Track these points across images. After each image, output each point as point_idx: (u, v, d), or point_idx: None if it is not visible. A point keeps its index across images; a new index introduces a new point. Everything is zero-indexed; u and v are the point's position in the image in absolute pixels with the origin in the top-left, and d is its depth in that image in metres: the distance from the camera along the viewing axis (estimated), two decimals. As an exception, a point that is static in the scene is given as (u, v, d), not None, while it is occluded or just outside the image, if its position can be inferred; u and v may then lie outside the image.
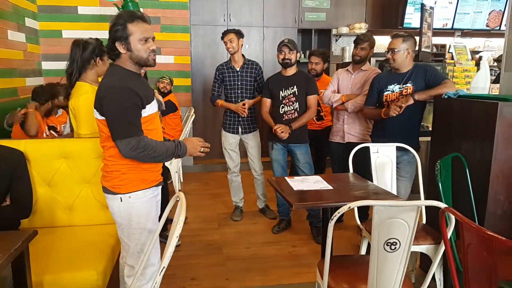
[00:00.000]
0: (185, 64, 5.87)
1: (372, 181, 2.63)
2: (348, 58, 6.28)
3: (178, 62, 5.83)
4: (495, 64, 6.09)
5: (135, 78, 1.99)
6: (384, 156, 2.76)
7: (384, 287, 1.66)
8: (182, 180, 5.39)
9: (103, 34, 5.49)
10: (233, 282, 2.91)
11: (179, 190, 4.48)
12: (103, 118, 1.90)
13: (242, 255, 3.33)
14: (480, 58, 2.92)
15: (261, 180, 4.08)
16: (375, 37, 3.81)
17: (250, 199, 4.35)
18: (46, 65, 5.38)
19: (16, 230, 2.45)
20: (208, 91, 5.99)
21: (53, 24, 5.38)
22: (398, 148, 2.79)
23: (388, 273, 1.63)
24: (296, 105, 3.49)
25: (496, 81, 3.39)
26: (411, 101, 2.79)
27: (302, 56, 6.53)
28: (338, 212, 1.59)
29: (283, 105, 3.53)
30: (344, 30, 6.36)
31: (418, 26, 4.18)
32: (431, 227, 2.48)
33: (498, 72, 4.19)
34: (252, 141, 3.98)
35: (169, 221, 2.55)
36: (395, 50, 2.87)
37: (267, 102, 3.64)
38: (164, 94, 4.99)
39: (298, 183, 2.42)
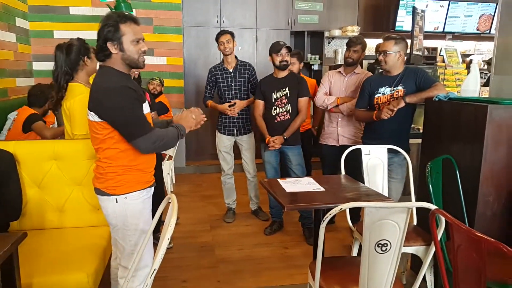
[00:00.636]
0: (177, 65, 5.86)
1: (363, 183, 2.65)
2: (340, 60, 6.31)
3: (170, 63, 5.82)
4: (486, 67, 6.18)
5: (127, 78, 1.98)
6: (375, 158, 2.78)
7: (375, 289, 1.67)
8: (174, 182, 5.37)
9: (95, 34, 5.45)
10: (225, 284, 2.91)
11: (171, 192, 4.48)
12: (102, 120, 1.87)
13: (234, 257, 3.32)
14: (471, 61, 2.95)
15: (255, 182, 4.08)
16: (368, 39, 3.84)
17: (243, 200, 4.35)
18: (37, 66, 5.34)
19: (6, 232, 2.43)
20: (200, 93, 5.98)
21: (44, 24, 5.33)
22: (389, 150, 2.81)
23: (379, 274, 1.64)
24: (288, 106, 3.51)
25: (486, 84, 3.42)
26: (402, 104, 2.81)
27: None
28: (330, 214, 1.59)
29: (275, 107, 3.54)
30: (337, 32, 6.39)
31: (410, 29, 4.21)
32: (422, 228, 2.49)
33: (488, 75, 4.24)
34: (247, 143, 3.97)
35: (161, 222, 2.55)
36: (387, 52, 2.89)
37: (260, 104, 3.64)
38: (154, 96, 4.98)
39: (290, 185, 2.42)
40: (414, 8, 4.09)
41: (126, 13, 2.00)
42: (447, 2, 6.36)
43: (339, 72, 3.68)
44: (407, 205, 1.51)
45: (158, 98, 4.99)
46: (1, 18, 4.41)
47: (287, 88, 3.50)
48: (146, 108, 2.01)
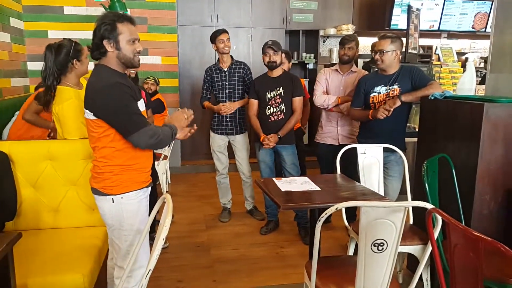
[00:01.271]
0: (172, 65, 5.84)
1: (359, 182, 2.65)
2: (335, 59, 6.31)
3: (165, 62, 5.79)
4: (481, 65, 6.19)
5: (122, 76, 1.97)
6: (371, 157, 2.78)
7: (371, 288, 1.66)
8: (169, 182, 5.35)
9: (89, 34, 5.41)
10: (221, 284, 2.90)
11: (166, 192, 4.47)
12: (96, 118, 1.87)
13: (230, 257, 3.31)
14: (466, 59, 2.94)
15: (249, 183, 4.07)
16: (363, 38, 3.85)
17: (238, 200, 4.34)
18: (31, 66, 5.31)
19: (1, 232, 2.42)
20: (195, 92, 5.97)
21: (39, 24, 5.30)
22: (385, 149, 2.81)
23: (376, 274, 1.64)
24: (282, 106, 3.50)
25: (482, 82, 3.43)
26: (398, 103, 2.81)
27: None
28: (326, 213, 1.59)
29: (269, 106, 3.53)
30: (332, 31, 6.39)
31: (405, 27, 4.21)
32: (418, 227, 2.49)
33: (484, 73, 4.24)
34: (240, 143, 3.95)
35: (156, 222, 2.53)
36: (384, 51, 2.88)
37: (255, 104, 3.63)
38: (149, 95, 4.96)
39: (285, 184, 2.41)
40: (409, 7, 4.09)
41: (122, 13, 1.98)
42: (442, 0, 6.36)
43: (336, 70, 3.67)
44: (403, 204, 1.51)
45: (155, 96, 4.97)
46: (-5, 18, 4.38)
47: (281, 88, 3.49)
48: (141, 106, 2.02)
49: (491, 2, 6.52)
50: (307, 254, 2.40)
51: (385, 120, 2.86)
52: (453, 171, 2.24)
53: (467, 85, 2.61)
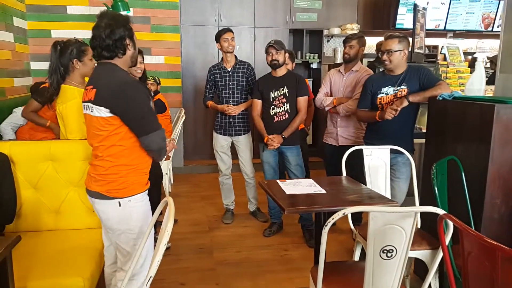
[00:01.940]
0: (175, 64, 5.80)
1: (365, 184, 2.59)
2: (339, 59, 6.26)
3: (168, 62, 5.75)
4: (487, 65, 6.11)
5: (131, 79, 1.96)
6: (377, 159, 2.72)
7: (379, 295, 1.61)
8: (172, 182, 5.32)
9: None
10: (224, 287, 2.85)
11: (169, 192, 4.42)
12: (112, 115, 1.82)
13: (233, 259, 3.27)
14: (475, 59, 2.89)
15: (253, 184, 4.03)
16: (367, 38, 3.78)
17: (241, 201, 4.29)
18: (34, 65, 5.29)
19: (1, 233, 2.40)
20: (198, 92, 5.93)
21: (42, 24, 5.28)
22: (392, 150, 2.76)
23: (384, 281, 1.59)
24: (287, 106, 3.45)
25: (489, 82, 3.37)
26: (405, 103, 2.76)
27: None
28: (333, 218, 1.53)
29: (273, 106, 3.48)
30: (336, 30, 6.33)
31: (410, 27, 4.16)
32: (426, 231, 2.44)
33: (491, 73, 4.18)
34: (244, 144, 3.90)
35: (158, 223, 2.49)
36: (392, 51, 2.82)
37: (258, 103, 3.58)
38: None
39: (290, 187, 2.36)
40: (415, 5, 4.03)
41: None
42: (449, -1, 6.29)
43: (339, 70, 3.63)
44: (414, 209, 1.45)
45: (155, 97, 4.93)
46: (-1, 18, 4.36)
47: (285, 87, 3.44)
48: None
49: (498, 1, 6.45)
50: (312, 257, 2.34)
51: (392, 121, 2.80)
52: (463, 174, 2.18)
53: (476, 85, 2.55)
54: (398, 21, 6.19)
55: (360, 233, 2.43)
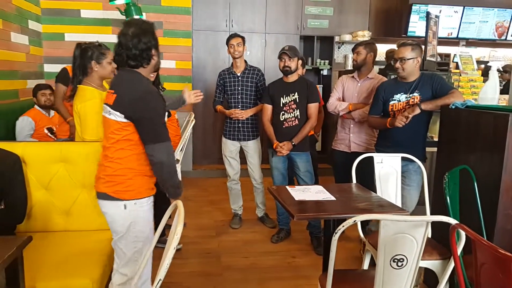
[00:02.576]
0: (186, 69, 5.83)
1: (375, 192, 2.57)
2: (350, 65, 6.24)
3: (179, 67, 5.79)
4: (499, 74, 6.05)
5: (150, 84, 2.01)
6: (388, 167, 2.70)
7: (389, 305, 1.59)
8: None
9: (105, 37, 5.47)
10: (231, 293, 2.85)
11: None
12: (127, 121, 1.88)
13: (240, 265, 3.26)
14: (489, 68, 2.85)
15: (261, 189, 4.01)
16: (378, 45, 3.76)
17: (249, 206, 4.28)
18: (48, 68, 5.36)
19: (12, 234, 2.42)
20: (208, 97, 5.92)
21: (56, 27, 5.35)
22: (403, 158, 2.73)
23: (394, 291, 1.57)
24: (297, 112, 3.44)
25: (503, 91, 3.33)
26: (417, 111, 2.74)
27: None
28: (343, 226, 1.52)
29: (283, 112, 3.47)
30: (347, 37, 6.32)
31: (422, 34, 4.13)
32: (436, 241, 2.41)
33: (504, 82, 4.14)
34: (252, 149, 3.89)
35: (167, 227, 2.49)
36: (405, 58, 2.81)
37: (268, 108, 3.57)
38: None
39: (299, 193, 2.35)
40: (428, 13, 4.01)
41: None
42: (462, 7, 6.24)
43: (353, 77, 3.62)
44: (426, 218, 1.44)
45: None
46: (15, 21, 4.43)
47: (296, 93, 3.43)
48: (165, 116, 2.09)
49: (512, 10, 6.40)
50: (320, 265, 2.33)
51: (404, 129, 2.78)
52: (475, 183, 2.15)
53: (490, 94, 2.52)
54: (410, 29, 6.15)
55: (370, 242, 2.41)
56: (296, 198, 2.25)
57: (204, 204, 4.78)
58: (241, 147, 3.94)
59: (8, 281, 1.72)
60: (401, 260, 1.50)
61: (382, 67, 5.15)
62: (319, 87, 6.21)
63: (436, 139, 2.73)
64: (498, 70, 4.85)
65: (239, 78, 3.79)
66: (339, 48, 6.65)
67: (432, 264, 2.21)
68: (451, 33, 6.35)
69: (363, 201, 2.27)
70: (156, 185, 2.08)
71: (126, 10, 4.80)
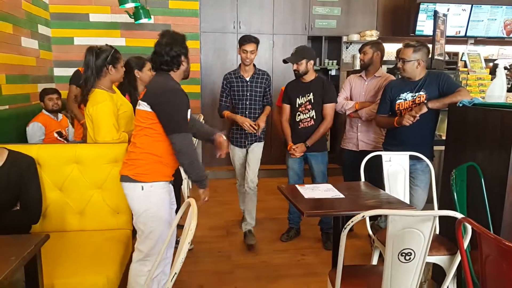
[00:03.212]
0: (194, 71, 5.88)
1: (384, 190, 2.60)
2: (358, 65, 6.25)
3: (188, 69, 5.84)
4: (507, 72, 6.03)
5: (178, 86, 2.27)
6: (396, 165, 2.73)
7: (398, 299, 1.62)
8: (191, 187, 5.38)
9: (114, 41, 5.53)
10: (242, 290, 2.89)
11: (187, 197, 4.48)
12: (151, 110, 2.16)
13: (251, 263, 3.30)
14: (496, 66, 2.87)
15: (252, 194, 3.70)
16: (387, 44, 3.79)
17: (259, 206, 4.31)
18: (57, 72, 5.44)
19: (28, 234, 2.46)
20: (217, 98, 5.94)
21: (65, 31, 5.44)
22: (411, 157, 2.76)
23: (402, 284, 1.60)
24: (312, 113, 3.43)
25: (510, 89, 3.34)
26: (424, 110, 2.76)
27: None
28: (352, 221, 1.56)
29: (299, 112, 3.48)
30: (355, 37, 6.34)
31: (430, 33, 4.14)
32: (444, 237, 2.43)
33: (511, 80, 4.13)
34: (255, 151, 3.67)
35: (180, 227, 2.55)
36: (405, 60, 2.84)
37: (287, 108, 3.56)
38: None
39: (309, 191, 2.39)
40: (435, 12, 4.02)
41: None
42: (470, 5, 6.22)
43: (360, 76, 3.65)
44: (432, 213, 1.47)
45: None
46: (25, 25, 4.51)
47: (311, 94, 3.42)
48: (189, 113, 2.31)
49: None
50: (329, 262, 2.36)
51: (412, 128, 2.80)
52: (482, 180, 2.18)
53: (497, 92, 2.54)
54: (418, 28, 6.15)
55: (378, 238, 2.44)
56: (306, 196, 2.29)
57: (215, 204, 4.82)
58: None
59: (27, 278, 1.77)
60: (409, 254, 1.53)
61: (391, 66, 5.17)
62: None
63: (444, 137, 2.74)
64: (506, 68, 4.84)
65: (248, 83, 3.55)
66: (347, 48, 6.67)
67: (440, 259, 2.23)
68: (459, 31, 6.34)
69: (371, 198, 2.30)
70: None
71: (135, 13, 4.87)
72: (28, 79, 4.56)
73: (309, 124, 3.45)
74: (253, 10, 6.08)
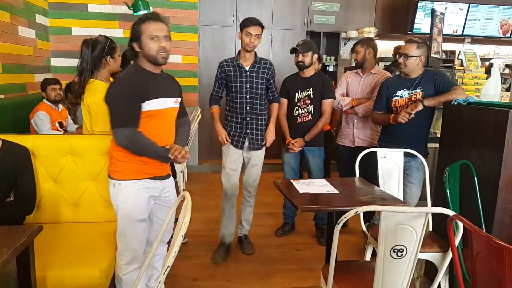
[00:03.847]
0: (193, 64, 5.88)
1: (378, 186, 2.61)
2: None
3: (186, 62, 5.84)
4: (506, 71, 6.06)
5: (146, 75, 2.08)
6: (391, 162, 2.74)
7: (389, 294, 1.64)
8: (186, 180, 5.39)
9: (112, 32, 5.50)
10: (236, 284, 2.90)
11: (183, 190, 4.48)
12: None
13: (245, 258, 3.31)
14: (491, 65, 2.89)
15: (252, 203, 3.45)
16: (385, 41, 3.80)
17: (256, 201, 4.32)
18: (55, 62, 5.42)
19: (21, 225, 2.46)
20: (215, 92, 5.99)
21: (63, 21, 5.41)
22: (405, 154, 2.77)
23: (394, 280, 1.62)
24: (311, 108, 3.44)
25: (509, 89, 3.35)
26: (420, 107, 2.77)
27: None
28: (345, 217, 1.57)
29: (297, 107, 3.48)
30: (353, 33, 6.34)
31: (428, 31, 4.15)
32: (437, 234, 2.45)
33: (510, 80, 4.15)
34: (257, 157, 3.26)
35: (174, 220, 2.55)
36: (408, 55, 2.84)
37: (285, 103, 3.54)
38: None
39: (304, 186, 2.40)
40: (433, 11, 4.03)
41: (148, 13, 2.16)
42: (467, 4, 6.25)
43: (357, 72, 3.65)
44: (424, 210, 1.48)
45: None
46: (22, 15, 4.48)
47: (311, 89, 3.42)
48: (157, 105, 2.09)
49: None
50: (323, 257, 2.37)
51: (407, 125, 2.81)
52: (475, 178, 2.19)
53: (491, 91, 2.56)
54: (415, 26, 6.17)
55: (372, 234, 2.46)
56: (301, 191, 2.30)
57: (210, 197, 4.82)
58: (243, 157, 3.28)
59: (19, 269, 1.77)
60: (401, 250, 1.55)
61: (388, 63, 5.18)
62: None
63: (439, 135, 2.76)
64: (508, 66, 4.86)
65: (248, 73, 3.08)
66: (345, 44, 6.67)
67: (433, 256, 2.25)
68: (456, 30, 6.36)
69: (365, 194, 2.32)
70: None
71: (134, 4, 4.85)
72: (25, 69, 4.54)
73: (307, 119, 3.45)
74: (252, 4, 6.07)
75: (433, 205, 2.69)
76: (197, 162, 6.12)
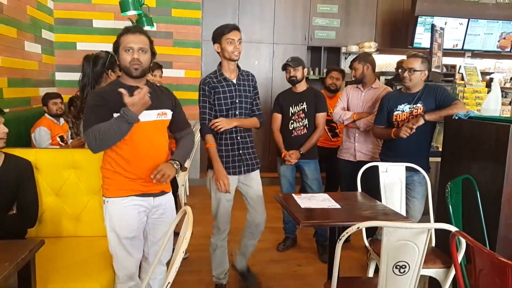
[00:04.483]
0: (195, 78, 5.92)
1: (380, 201, 2.61)
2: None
3: (188, 76, 5.89)
4: (507, 85, 6.08)
5: (125, 87, 1.97)
6: (393, 176, 2.74)
7: (392, 311, 1.62)
8: (188, 194, 5.37)
9: (116, 47, 5.49)
10: (237, 300, 2.88)
11: (184, 204, 4.46)
12: None
13: (247, 273, 3.28)
14: (491, 79, 2.90)
15: (259, 232, 2.96)
16: (385, 56, 3.82)
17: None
18: (59, 76, 5.48)
19: (23, 239, 2.45)
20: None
21: (68, 36, 5.48)
22: (408, 169, 2.77)
23: (397, 297, 1.60)
24: (306, 121, 3.50)
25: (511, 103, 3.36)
26: (421, 122, 2.78)
27: (312, 73, 6.56)
28: (347, 232, 1.57)
29: (292, 121, 3.54)
30: (354, 48, 6.39)
31: (428, 46, 4.19)
32: (440, 250, 2.44)
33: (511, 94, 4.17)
34: (257, 181, 2.89)
35: (175, 234, 2.55)
36: (414, 70, 2.86)
37: (278, 118, 3.62)
38: None
39: (305, 201, 2.40)
40: (432, 26, 4.07)
41: (131, 26, 2.17)
42: (467, 20, 6.31)
43: (357, 87, 3.67)
44: (427, 226, 1.48)
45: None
46: (29, 30, 4.55)
47: (304, 103, 3.50)
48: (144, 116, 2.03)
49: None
50: (325, 273, 2.36)
51: (408, 139, 2.82)
52: (477, 193, 2.19)
53: (492, 105, 2.56)
54: (416, 40, 6.22)
55: (374, 250, 2.45)
56: (302, 206, 2.29)
57: (211, 212, 4.79)
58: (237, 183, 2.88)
59: (20, 284, 1.77)
60: (404, 266, 1.54)
61: (390, 77, 5.21)
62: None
63: (441, 149, 2.76)
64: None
65: (236, 86, 2.74)
66: (345, 58, 6.71)
67: (436, 272, 2.23)
68: (457, 44, 6.41)
69: (367, 209, 2.31)
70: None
71: (138, 20, 4.89)
72: (30, 83, 4.58)
73: (302, 133, 3.51)
74: (254, 19, 6.14)
75: (436, 220, 2.68)
76: (199, 175, 6.12)
